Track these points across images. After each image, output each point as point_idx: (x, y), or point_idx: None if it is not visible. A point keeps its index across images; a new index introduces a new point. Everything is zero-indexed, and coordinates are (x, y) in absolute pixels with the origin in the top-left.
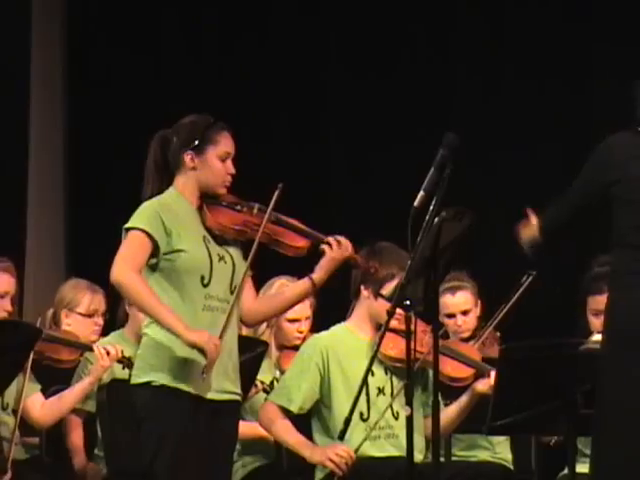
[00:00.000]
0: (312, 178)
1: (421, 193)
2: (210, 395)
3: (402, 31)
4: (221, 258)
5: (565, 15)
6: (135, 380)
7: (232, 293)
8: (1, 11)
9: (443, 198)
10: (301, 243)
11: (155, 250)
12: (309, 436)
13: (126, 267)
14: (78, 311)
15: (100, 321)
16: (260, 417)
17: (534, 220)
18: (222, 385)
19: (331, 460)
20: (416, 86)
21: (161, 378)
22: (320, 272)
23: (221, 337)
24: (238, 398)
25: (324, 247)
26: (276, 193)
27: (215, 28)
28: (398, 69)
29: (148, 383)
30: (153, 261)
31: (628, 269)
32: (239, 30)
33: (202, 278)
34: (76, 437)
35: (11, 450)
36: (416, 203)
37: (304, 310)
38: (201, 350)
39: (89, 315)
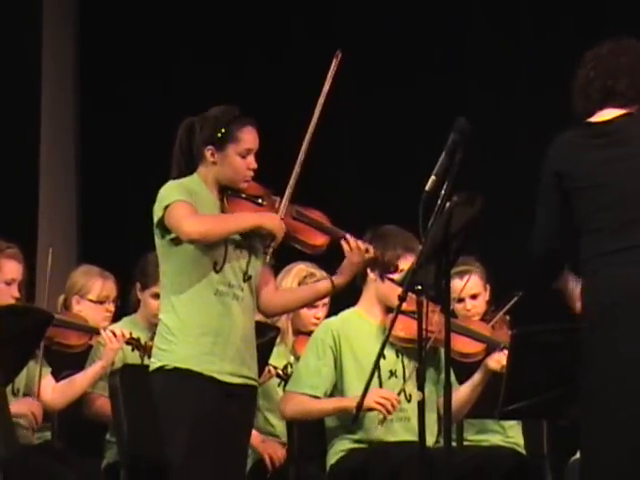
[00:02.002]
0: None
1: (432, 177)
2: (224, 378)
3: (412, 42)
4: (238, 246)
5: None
6: (152, 367)
7: (245, 281)
8: (10, 21)
9: (454, 182)
10: (319, 241)
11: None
12: (320, 423)
13: (188, 220)
14: (89, 298)
15: (111, 307)
16: (285, 409)
17: None
18: (238, 369)
19: (377, 402)
20: (427, 98)
21: (174, 361)
22: (341, 276)
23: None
24: (254, 383)
25: (345, 249)
26: (289, 186)
27: (225, 42)
28: (409, 80)
29: (162, 367)
30: (175, 235)
31: (596, 252)
32: (248, 46)
33: (215, 264)
34: (104, 403)
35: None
36: (427, 187)
37: None
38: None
39: (100, 302)
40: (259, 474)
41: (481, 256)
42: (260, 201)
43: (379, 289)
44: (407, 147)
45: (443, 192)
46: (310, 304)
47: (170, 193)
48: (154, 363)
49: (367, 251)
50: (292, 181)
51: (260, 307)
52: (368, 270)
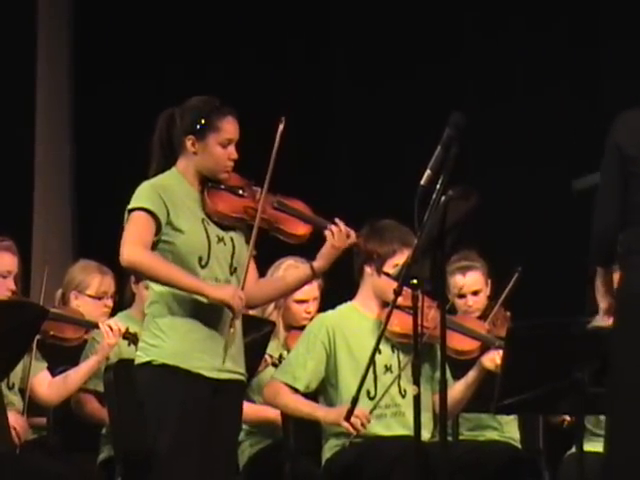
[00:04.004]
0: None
1: (427, 172)
2: (211, 374)
3: (411, 45)
4: (220, 240)
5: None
6: (138, 360)
7: (231, 274)
8: (5, 22)
9: (449, 177)
10: (302, 230)
11: (158, 228)
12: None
13: (135, 246)
14: (87, 293)
15: (109, 303)
16: (266, 394)
17: None
18: (225, 365)
19: (346, 420)
20: (421, 92)
21: (162, 357)
22: (321, 260)
23: (242, 287)
24: (242, 378)
25: (326, 233)
26: (267, 177)
27: (219, 43)
28: (405, 73)
29: (149, 362)
30: (154, 238)
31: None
32: (241, 47)
33: (200, 259)
34: (95, 407)
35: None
36: (423, 182)
37: (312, 291)
38: (229, 306)
39: (98, 297)
40: (253, 469)
41: (482, 251)
42: (241, 192)
43: (375, 283)
44: (402, 141)
45: (438, 186)
46: (292, 292)
47: (139, 196)
48: (141, 357)
49: (348, 236)
50: (269, 172)
51: None
52: (365, 264)
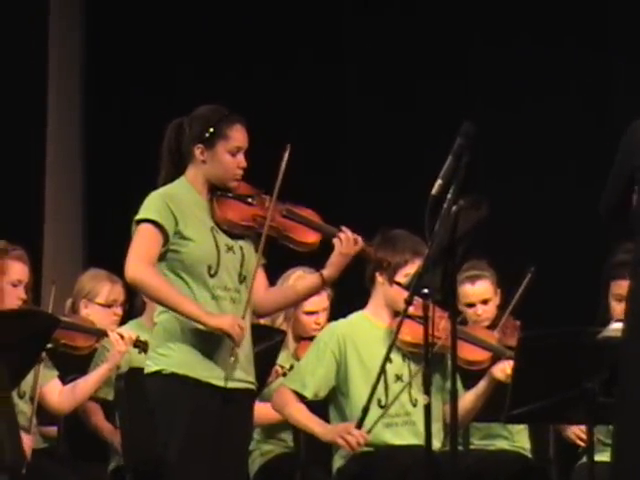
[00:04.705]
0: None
1: (438, 181)
2: (220, 383)
3: (421, 58)
4: (229, 249)
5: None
6: (147, 369)
7: (241, 283)
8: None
9: (460, 186)
10: (312, 239)
11: (166, 240)
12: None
13: (140, 263)
14: (97, 301)
15: (119, 311)
16: (274, 400)
17: None
18: (235, 374)
19: (342, 438)
20: (435, 107)
21: (171, 366)
22: (330, 268)
23: (244, 316)
24: (251, 387)
25: (335, 241)
26: (277, 183)
27: (233, 55)
28: (416, 99)
29: (159, 372)
30: (162, 250)
31: None
32: (253, 58)
33: (209, 268)
34: (99, 419)
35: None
36: (434, 191)
37: (322, 302)
38: (228, 334)
39: (108, 305)
40: (264, 478)
41: (492, 261)
42: (250, 200)
43: (387, 293)
44: (413, 151)
45: (449, 196)
46: (302, 300)
47: (147, 207)
48: (150, 366)
49: (356, 242)
50: (278, 181)
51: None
52: (377, 273)
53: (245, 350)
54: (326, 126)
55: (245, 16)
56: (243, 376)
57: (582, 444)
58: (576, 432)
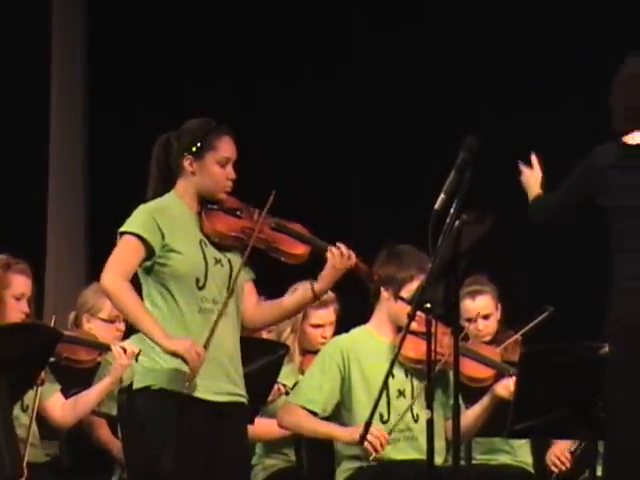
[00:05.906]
0: (333, 215)
1: (442, 196)
2: (210, 397)
3: (425, 65)
4: (217, 261)
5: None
6: (136, 385)
7: (229, 296)
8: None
9: (463, 201)
10: (300, 250)
11: (150, 254)
12: (329, 442)
13: (114, 274)
14: (100, 316)
15: (122, 327)
16: (281, 419)
17: (538, 172)
18: (223, 387)
19: (366, 439)
20: (439, 120)
21: (159, 382)
22: (322, 282)
23: (207, 344)
24: (242, 400)
25: (328, 255)
26: (270, 199)
27: (235, 61)
28: (421, 102)
29: (147, 387)
30: (148, 264)
31: (628, 274)
32: (255, 65)
33: (197, 281)
34: (104, 433)
35: (26, 451)
36: (437, 206)
37: (328, 315)
38: (183, 359)
39: (111, 321)
40: None
41: (493, 275)
42: (239, 213)
43: (391, 308)
44: (416, 165)
45: (452, 210)
46: (295, 314)
47: (133, 220)
48: (139, 382)
49: (349, 258)
50: (271, 197)
51: (243, 322)
52: (382, 288)
53: (234, 364)
54: (330, 141)
55: (249, 27)
56: (233, 389)
57: (556, 470)
58: (552, 458)
